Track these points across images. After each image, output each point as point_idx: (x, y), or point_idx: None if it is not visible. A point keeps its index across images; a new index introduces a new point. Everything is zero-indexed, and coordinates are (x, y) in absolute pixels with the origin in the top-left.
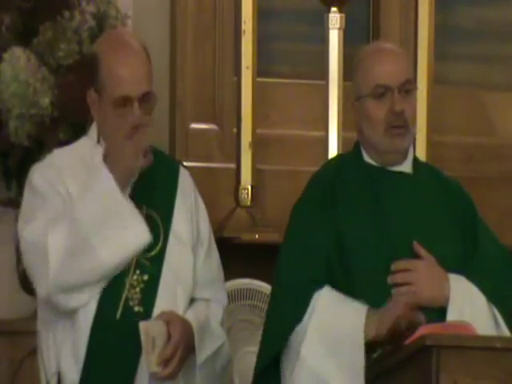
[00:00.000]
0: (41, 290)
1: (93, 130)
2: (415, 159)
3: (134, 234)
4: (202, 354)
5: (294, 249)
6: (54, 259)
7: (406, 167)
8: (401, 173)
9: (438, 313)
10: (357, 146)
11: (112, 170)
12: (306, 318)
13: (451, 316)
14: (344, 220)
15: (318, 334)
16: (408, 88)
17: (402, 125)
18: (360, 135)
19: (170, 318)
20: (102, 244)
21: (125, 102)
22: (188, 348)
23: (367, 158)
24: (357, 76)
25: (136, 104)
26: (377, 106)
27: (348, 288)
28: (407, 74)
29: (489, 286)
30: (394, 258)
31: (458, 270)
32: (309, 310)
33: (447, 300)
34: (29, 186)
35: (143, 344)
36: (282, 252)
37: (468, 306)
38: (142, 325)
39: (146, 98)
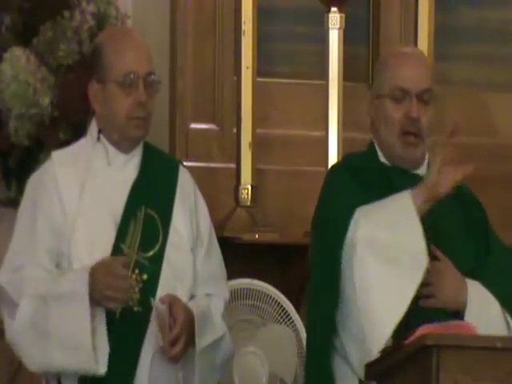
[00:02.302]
0: (7, 333)
1: (92, 128)
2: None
3: (85, 360)
4: (202, 341)
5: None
6: (20, 318)
7: (422, 170)
8: (416, 175)
9: (452, 318)
10: (371, 146)
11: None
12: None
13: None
14: None
15: (370, 224)
16: (427, 98)
17: (415, 132)
18: (375, 134)
19: (172, 301)
20: (58, 346)
21: (131, 78)
22: (189, 333)
23: (382, 159)
24: (379, 74)
25: (141, 82)
26: (394, 108)
27: None
28: (428, 83)
29: (500, 291)
30: None
31: (471, 275)
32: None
33: (464, 305)
34: (24, 197)
35: (163, 324)
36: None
37: (484, 312)
38: (161, 306)
39: (150, 80)
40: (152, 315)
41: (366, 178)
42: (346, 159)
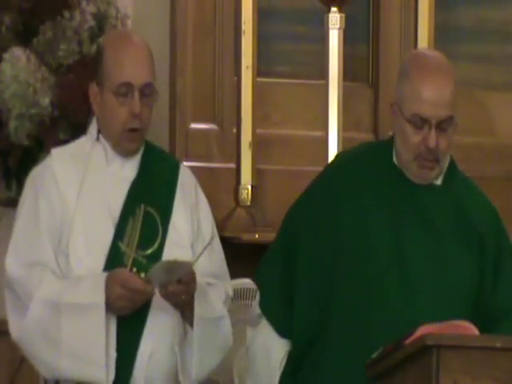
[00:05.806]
0: (13, 332)
1: (93, 127)
2: (452, 170)
3: (97, 373)
4: (199, 310)
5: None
6: (31, 318)
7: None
8: (426, 185)
9: None
10: (390, 142)
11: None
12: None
13: None
14: (347, 232)
15: None
16: (446, 126)
17: (432, 159)
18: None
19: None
20: (68, 356)
21: (126, 89)
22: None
23: (395, 159)
24: (400, 81)
25: (137, 93)
26: (413, 133)
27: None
28: (449, 109)
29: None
30: (404, 281)
31: (471, 297)
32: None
33: None
34: (24, 192)
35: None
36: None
37: None
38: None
39: (147, 91)
40: (150, 310)
41: (371, 176)
42: (350, 154)
